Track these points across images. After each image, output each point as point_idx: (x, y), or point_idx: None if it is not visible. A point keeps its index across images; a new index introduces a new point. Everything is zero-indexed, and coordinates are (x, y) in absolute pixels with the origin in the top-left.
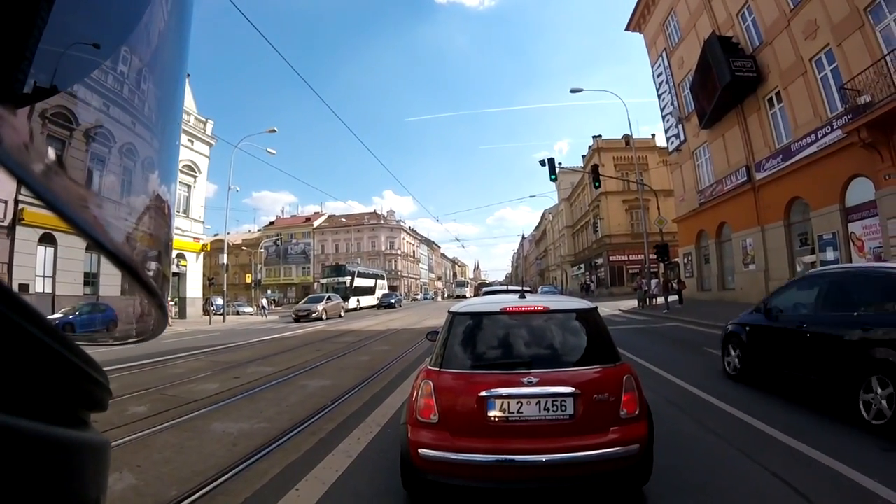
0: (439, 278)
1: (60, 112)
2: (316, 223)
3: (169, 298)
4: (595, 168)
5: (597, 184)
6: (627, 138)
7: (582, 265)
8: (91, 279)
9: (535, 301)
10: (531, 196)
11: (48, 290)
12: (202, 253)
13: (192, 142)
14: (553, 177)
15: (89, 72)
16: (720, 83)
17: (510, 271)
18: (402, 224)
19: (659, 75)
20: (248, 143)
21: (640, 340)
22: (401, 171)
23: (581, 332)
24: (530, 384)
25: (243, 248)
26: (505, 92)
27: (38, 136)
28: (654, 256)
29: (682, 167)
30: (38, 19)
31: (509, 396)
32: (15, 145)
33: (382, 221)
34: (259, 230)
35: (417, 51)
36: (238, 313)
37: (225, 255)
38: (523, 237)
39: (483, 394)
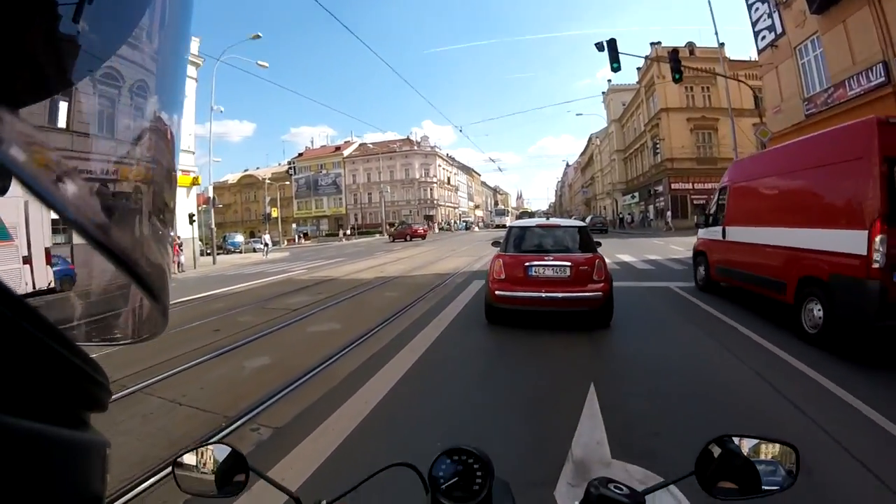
0: (477, 206)
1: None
2: (346, 152)
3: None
4: (675, 54)
5: (677, 76)
6: (692, 47)
7: (636, 193)
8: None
9: (553, 221)
10: (577, 114)
11: None
12: (193, 187)
13: None
14: (616, 65)
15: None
16: None
17: (553, 200)
18: (438, 150)
19: None
20: (235, 57)
21: None
22: (439, 103)
23: (576, 236)
24: (549, 260)
25: (267, 181)
26: (545, 19)
27: (23, 118)
28: None
29: (777, 69)
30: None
31: (539, 265)
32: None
33: (416, 148)
34: (288, 163)
35: None
36: (255, 251)
37: (210, 189)
38: (567, 164)
39: (526, 264)
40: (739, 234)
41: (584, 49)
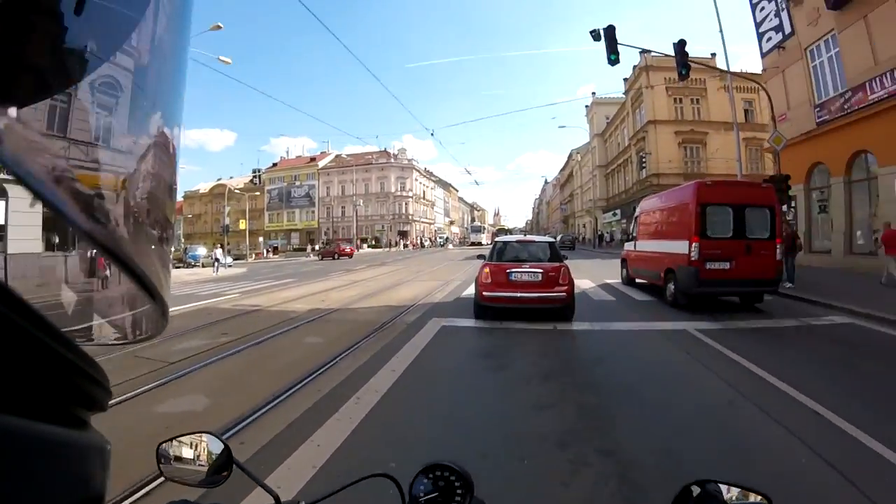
0: (453, 222)
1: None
2: (321, 163)
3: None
4: (682, 46)
5: (684, 70)
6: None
7: (617, 210)
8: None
9: (529, 237)
10: (560, 126)
11: None
12: None
13: None
14: (613, 56)
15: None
16: None
17: (531, 217)
18: (415, 163)
19: None
20: (199, 51)
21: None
22: (419, 115)
23: (547, 250)
24: (525, 267)
25: (237, 190)
26: (527, 34)
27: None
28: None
29: (784, 73)
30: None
31: (518, 271)
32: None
33: (393, 160)
34: (253, 171)
35: None
36: (215, 263)
37: None
38: (546, 181)
39: (508, 271)
40: (641, 245)
41: (569, 63)
